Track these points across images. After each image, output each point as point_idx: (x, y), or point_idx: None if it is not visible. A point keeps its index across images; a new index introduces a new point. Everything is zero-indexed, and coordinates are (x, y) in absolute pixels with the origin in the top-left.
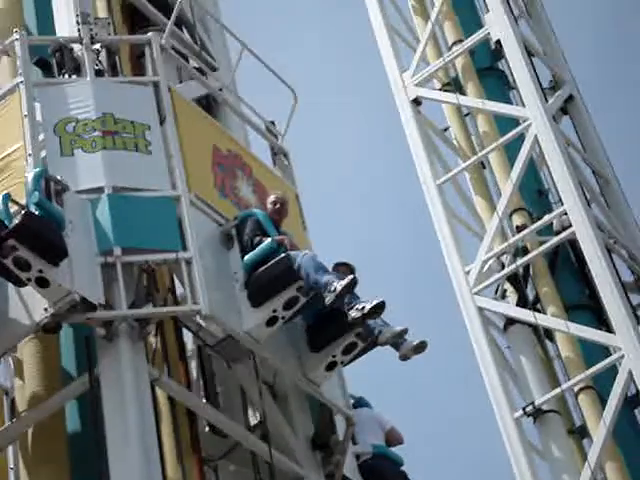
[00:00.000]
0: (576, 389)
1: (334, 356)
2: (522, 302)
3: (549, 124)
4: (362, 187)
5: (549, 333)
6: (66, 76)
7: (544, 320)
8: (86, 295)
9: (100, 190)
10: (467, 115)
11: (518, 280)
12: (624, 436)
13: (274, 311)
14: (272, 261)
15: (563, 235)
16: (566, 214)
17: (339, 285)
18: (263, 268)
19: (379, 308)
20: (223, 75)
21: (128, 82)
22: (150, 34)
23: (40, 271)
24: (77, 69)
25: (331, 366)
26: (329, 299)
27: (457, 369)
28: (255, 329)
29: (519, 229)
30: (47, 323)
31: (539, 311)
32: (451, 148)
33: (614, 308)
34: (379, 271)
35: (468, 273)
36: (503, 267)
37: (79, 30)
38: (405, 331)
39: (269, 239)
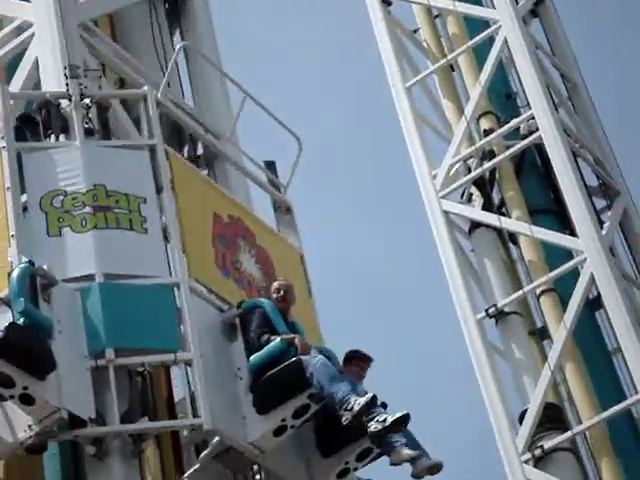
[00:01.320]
0: (538, 291)
1: (347, 463)
2: (487, 206)
3: (518, 27)
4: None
5: (513, 237)
6: (52, 137)
7: (508, 224)
8: (75, 411)
9: (91, 278)
10: (437, 17)
11: (484, 184)
12: (584, 338)
13: (283, 420)
14: (282, 365)
15: (530, 139)
16: (533, 118)
17: (357, 405)
18: (272, 372)
19: (402, 421)
20: (222, 121)
21: (121, 146)
22: (145, 87)
23: (25, 387)
24: (65, 128)
25: (343, 473)
26: (346, 419)
27: (422, 273)
28: (261, 440)
29: (486, 133)
30: (31, 443)
31: (504, 215)
32: (421, 50)
33: (578, 212)
34: (346, 175)
35: (435, 177)
36: (470, 171)
37: (67, 84)
38: (421, 455)
39: (278, 339)
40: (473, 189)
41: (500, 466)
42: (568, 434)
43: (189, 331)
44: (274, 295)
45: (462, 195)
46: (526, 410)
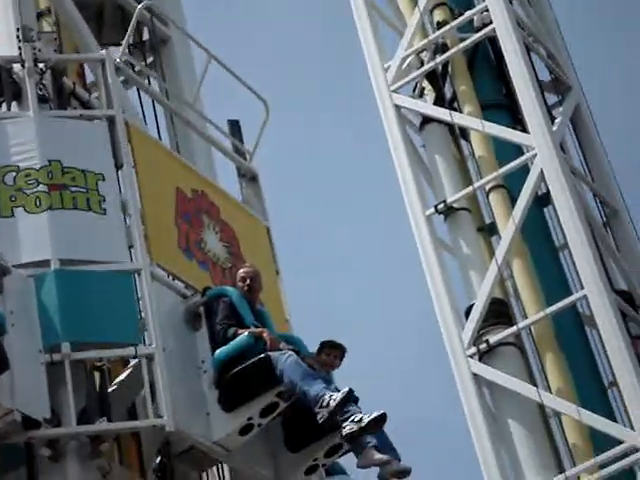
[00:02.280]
0: (488, 188)
1: (315, 459)
2: (439, 100)
3: None
4: None
5: (464, 132)
6: (4, 106)
7: (460, 119)
8: (29, 412)
9: (46, 264)
10: None
11: (436, 78)
12: (532, 234)
13: (249, 419)
14: (250, 362)
15: (483, 32)
16: (487, 11)
17: (332, 400)
18: (239, 368)
19: (379, 422)
20: (186, 88)
21: (78, 117)
22: (104, 51)
23: None
24: (17, 95)
25: (312, 469)
26: (322, 416)
27: (372, 166)
28: (226, 439)
29: (440, 25)
30: None
31: (456, 110)
32: None
33: (530, 107)
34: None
35: (387, 70)
36: (422, 64)
37: (20, 48)
38: (390, 460)
39: (246, 333)
40: (425, 83)
41: (446, 360)
42: (513, 329)
43: (150, 323)
44: (239, 284)
45: (414, 89)
46: (472, 305)
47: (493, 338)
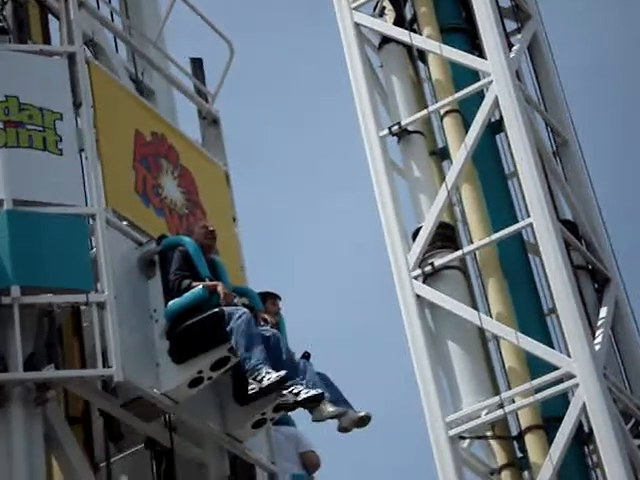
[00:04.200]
0: (442, 112)
1: (264, 413)
2: (399, 21)
3: None
4: None
5: (422, 55)
6: None
7: (419, 40)
8: None
9: None
10: None
11: None
12: (483, 160)
13: (199, 372)
14: (202, 315)
15: None
16: None
17: (266, 380)
18: (191, 322)
19: (314, 400)
20: (149, 27)
21: (38, 52)
22: None
23: None
24: None
25: (259, 423)
26: (252, 389)
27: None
28: (175, 391)
29: None
30: None
31: (415, 32)
32: None
33: (488, 33)
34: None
35: None
36: None
37: None
38: (345, 411)
39: (200, 286)
40: (386, 2)
41: (390, 281)
42: (458, 253)
43: (103, 270)
44: (202, 237)
45: (374, 8)
46: (420, 228)
47: (438, 261)
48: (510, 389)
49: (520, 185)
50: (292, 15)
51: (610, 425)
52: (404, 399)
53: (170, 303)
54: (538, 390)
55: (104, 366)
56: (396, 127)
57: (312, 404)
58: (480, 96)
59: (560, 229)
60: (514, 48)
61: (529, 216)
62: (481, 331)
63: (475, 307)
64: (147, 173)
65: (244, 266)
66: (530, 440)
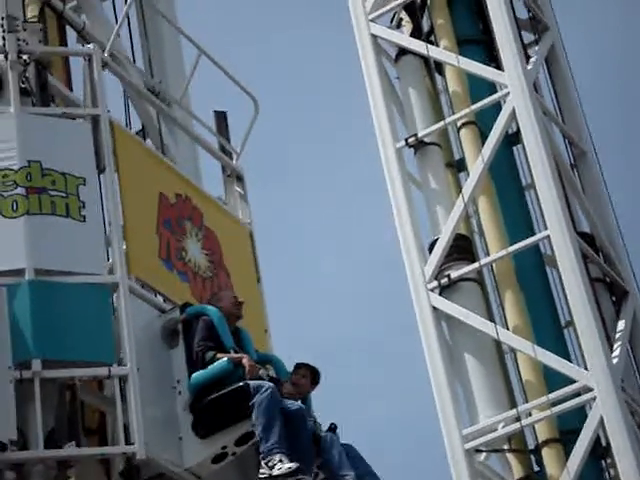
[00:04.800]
0: (459, 124)
1: (224, 447)
2: (416, 33)
3: None
4: None
5: (439, 66)
6: None
7: (436, 52)
8: None
9: (20, 273)
10: None
11: (415, 9)
12: (500, 172)
13: (224, 447)
14: (227, 389)
15: None
16: None
17: (277, 469)
18: (215, 395)
19: None
20: (175, 87)
21: (61, 115)
22: (91, 45)
23: None
24: None
25: None
26: (263, 474)
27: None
28: (198, 467)
29: None
30: None
31: (432, 43)
32: None
33: (505, 45)
34: None
35: None
36: None
37: (4, 38)
38: None
39: (225, 358)
40: (403, 14)
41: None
42: (475, 265)
43: (126, 341)
44: (230, 307)
45: (392, 20)
46: (437, 240)
47: (455, 273)
48: (527, 402)
49: (537, 197)
50: (307, 15)
51: (628, 439)
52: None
53: (194, 375)
54: (555, 403)
55: (126, 442)
56: (413, 139)
57: None
58: (497, 108)
59: (577, 241)
60: (531, 60)
61: (546, 228)
62: (498, 344)
63: (492, 319)
64: (171, 236)
65: (268, 329)
66: (547, 453)
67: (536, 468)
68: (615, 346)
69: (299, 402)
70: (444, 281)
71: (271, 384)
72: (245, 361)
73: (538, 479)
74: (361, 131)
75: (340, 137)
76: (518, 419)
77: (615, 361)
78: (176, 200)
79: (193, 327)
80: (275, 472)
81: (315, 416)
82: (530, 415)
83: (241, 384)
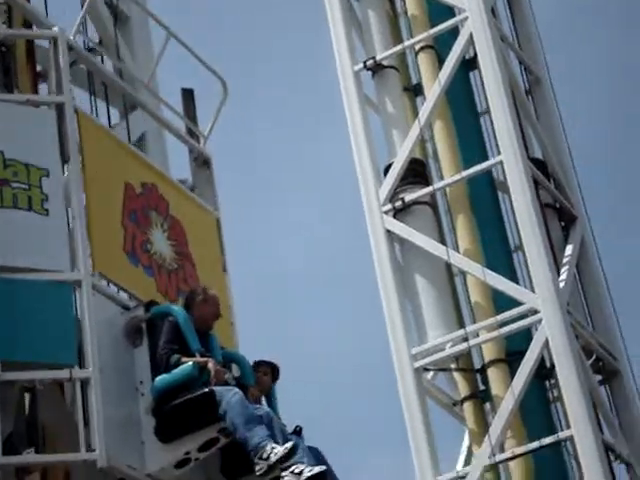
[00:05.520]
0: (418, 47)
1: (187, 453)
2: None
3: None
4: None
5: None
6: None
7: None
8: None
9: None
10: None
11: None
12: (456, 97)
13: (187, 453)
14: (192, 395)
15: None
16: None
17: (274, 455)
18: (179, 401)
19: (318, 478)
20: (142, 70)
21: (25, 102)
22: (56, 28)
23: None
24: None
25: None
26: (261, 468)
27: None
28: (160, 471)
29: None
30: None
31: None
32: None
33: None
34: None
35: None
36: None
37: None
38: None
39: (190, 363)
40: None
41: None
42: (429, 189)
43: (88, 343)
44: (211, 313)
45: None
46: (392, 164)
47: (409, 196)
48: (475, 323)
49: (492, 123)
50: None
51: (572, 360)
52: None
53: (158, 379)
54: (502, 325)
55: (87, 449)
56: (371, 61)
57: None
58: (455, 33)
59: (529, 167)
60: None
61: (500, 154)
62: (448, 266)
63: (443, 243)
64: (136, 229)
65: (234, 322)
66: (493, 373)
67: (482, 387)
68: (562, 270)
69: (265, 405)
70: (398, 204)
71: (237, 389)
72: (211, 365)
73: (483, 397)
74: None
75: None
76: (466, 339)
77: (562, 285)
78: (142, 190)
79: (158, 327)
80: (273, 458)
81: (280, 418)
82: (478, 336)
83: (206, 390)
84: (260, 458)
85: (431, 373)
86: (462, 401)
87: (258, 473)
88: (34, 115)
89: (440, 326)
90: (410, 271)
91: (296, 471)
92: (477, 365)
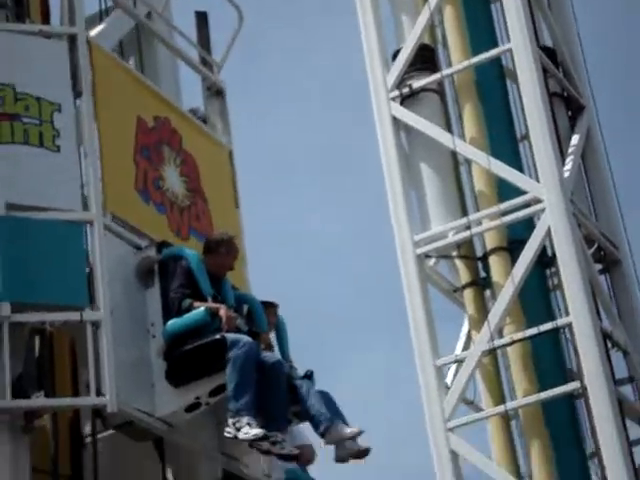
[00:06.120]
0: None
1: (198, 397)
2: None
3: None
4: None
5: None
6: None
7: None
8: None
9: None
10: None
11: None
12: None
13: (197, 397)
14: (203, 341)
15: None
16: None
17: (244, 433)
18: (191, 347)
19: (289, 458)
20: None
21: (37, 32)
22: None
23: None
24: None
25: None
26: (228, 433)
27: None
28: (170, 415)
29: None
30: None
31: None
32: None
33: None
34: None
35: None
36: None
37: None
38: (358, 434)
39: (202, 308)
40: None
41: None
42: (437, 75)
43: (100, 284)
44: (228, 263)
45: None
46: (400, 49)
47: (417, 83)
48: (478, 212)
49: (502, 9)
50: None
51: (573, 249)
52: None
53: (169, 323)
54: (505, 214)
55: (97, 394)
56: None
57: (288, 460)
58: None
59: (539, 54)
60: None
61: (509, 41)
62: (454, 155)
63: (450, 131)
64: (148, 165)
65: (245, 257)
66: (494, 261)
67: (483, 275)
68: (567, 160)
69: (277, 353)
70: (405, 91)
71: (249, 338)
72: (222, 312)
73: (484, 284)
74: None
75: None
76: (469, 227)
77: (566, 174)
78: (155, 124)
79: (170, 269)
80: (241, 436)
81: (292, 360)
82: (480, 224)
83: (218, 337)
84: (233, 424)
85: (433, 260)
86: (463, 288)
87: (225, 435)
88: (46, 47)
89: (443, 214)
90: (415, 159)
91: (272, 440)
92: (479, 253)
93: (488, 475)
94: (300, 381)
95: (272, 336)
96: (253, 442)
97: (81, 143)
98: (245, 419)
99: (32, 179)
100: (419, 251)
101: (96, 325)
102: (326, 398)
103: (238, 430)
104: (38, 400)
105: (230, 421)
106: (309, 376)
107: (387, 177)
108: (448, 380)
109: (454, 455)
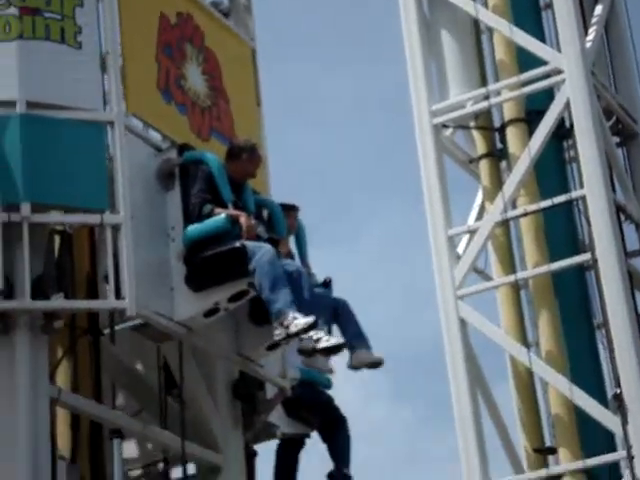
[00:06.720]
0: None
1: (217, 303)
2: None
3: None
4: None
5: None
6: None
7: None
8: None
9: (11, 105)
10: None
11: None
12: None
13: (216, 303)
14: (223, 249)
15: None
16: None
17: (294, 326)
18: (211, 253)
19: (336, 349)
20: None
21: None
22: None
23: None
24: None
25: (274, 346)
26: (279, 334)
27: None
28: (190, 320)
29: None
30: None
31: None
32: None
33: None
34: None
35: None
36: None
37: None
38: (378, 362)
39: (223, 215)
40: None
41: None
42: None
43: (120, 187)
44: (250, 170)
45: None
46: None
47: None
48: (498, 81)
49: None
50: None
51: (591, 121)
52: None
53: (189, 229)
54: (525, 84)
55: (117, 297)
56: None
57: (331, 353)
58: None
59: None
60: None
61: None
62: (476, 23)
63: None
64: (170, 64)
65: (267, 158)
66: (511, 132)
67: (499, 146)
68: (590, 30)
69: (297, 261)
70: None
71: (268, 246)
72: (243, 220)
73: (500, 155)
74: None
75: None
76: (487, 97)
77: (588, 45)
78: (177, 20)
79: (190, 173)
80: (292, 329)
81: (310, 266)
82: (499, 95)
83: (238, 245)
84: (281, 324)
85: (450, 130)
86: (479, 158)
87: (276, 338)
88: None
89: (463, 83)
90: (437, 26)
91: (315, 337)
92: (496, 124)
93: (496, 343)
94: (319, 288)
95: (291, 240)
96: (306, 331)
97: (102, 41)
98: (290, 315)
99: (53, 76)
100: (436, 121)
101: (116, 228)
102: (344, 308)
103: (287, 327)
104: (57, 302)
105: (276, 323)
106: (327, 283)
107: (407, 44)
108: (460, 250)
109: (463, 323)
